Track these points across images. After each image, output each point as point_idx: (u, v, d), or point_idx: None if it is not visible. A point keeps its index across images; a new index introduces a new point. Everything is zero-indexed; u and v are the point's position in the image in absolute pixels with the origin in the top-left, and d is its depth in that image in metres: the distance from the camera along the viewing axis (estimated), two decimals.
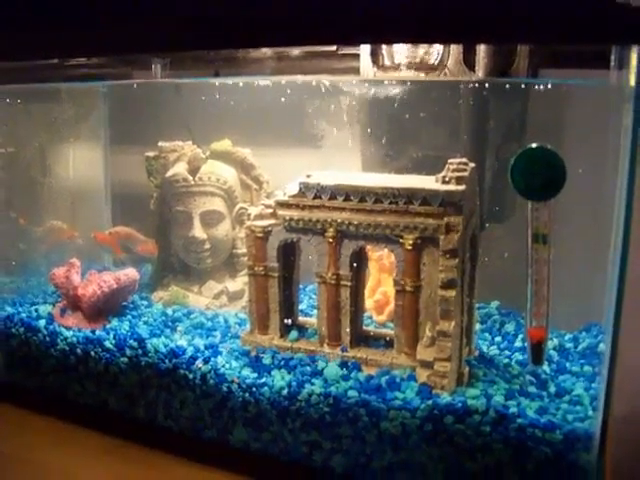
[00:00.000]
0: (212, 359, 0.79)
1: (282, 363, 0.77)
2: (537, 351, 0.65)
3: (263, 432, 0.74)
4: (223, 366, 0.77)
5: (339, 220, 0.72)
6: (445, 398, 0.69)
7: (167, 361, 0.78)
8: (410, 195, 0.68)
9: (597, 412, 0.66)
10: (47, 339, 0.86)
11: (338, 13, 0.60)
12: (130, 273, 0.87)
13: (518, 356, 0.80)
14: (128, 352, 0.80)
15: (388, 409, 0.69)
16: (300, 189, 0.73)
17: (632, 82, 0.56)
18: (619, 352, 0.61)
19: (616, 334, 0.60)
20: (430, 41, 0.69)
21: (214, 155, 0.91)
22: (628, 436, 0.70)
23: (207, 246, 0.91)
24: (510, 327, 0.89)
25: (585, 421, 0.66)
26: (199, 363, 0.76)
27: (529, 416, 0.65)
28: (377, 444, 0.70)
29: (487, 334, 0.87)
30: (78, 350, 0.84)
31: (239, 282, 0.94)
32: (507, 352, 0.82)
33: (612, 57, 0.60)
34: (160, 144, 0.93)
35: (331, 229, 0.72)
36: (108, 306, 0.86)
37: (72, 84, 0.95)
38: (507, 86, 0.75)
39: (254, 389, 0.74)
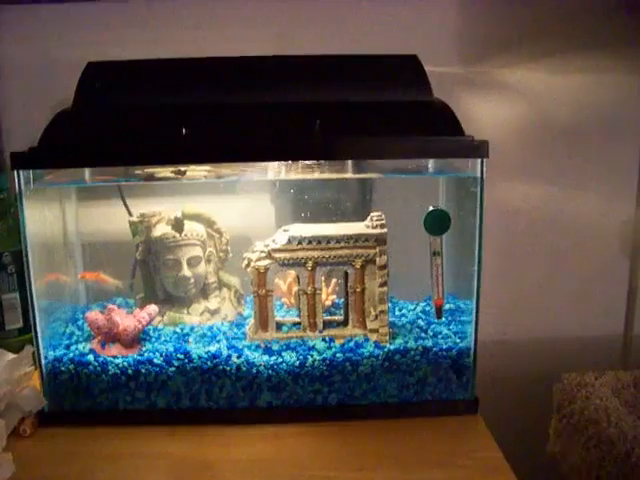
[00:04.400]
0: (241, 353, 1.11)
1: (285, 347, 1.12)
2: (439, 311, 1.14)
3: (282, 392, 1.10)
4: (250, 356, 1.11)
5: (315, 256, 1.13)
6: (390, 346, 1.12)
7: (209, 362, 1.09)
8: (357, 237, 1.12)
9: (469, 339, 1.12)
10: (98, 368, 1.08)
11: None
12: (153, 308, 1.16)
13: (404, 320, 1.24)
14: (175, 363, 1.08)
15: (362, 358, 1.10)
16: (288, 239, 1.14)
17: (478, 174, 1.05)
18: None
19: (478, 298, 1.11)
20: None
21: (186, 216, 1.23)
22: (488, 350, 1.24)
23: (192, 281, 1.24)
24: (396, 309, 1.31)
25: (465, 343, 1.12)
26: (234, 358, 1.12)
27: (438, 345, 1.13)
28: (356, 381, 1.09)
29: None
30: (129, 371, 1.08)
31: (214, 302, 1.27)
32: (400, 320, 1.26)
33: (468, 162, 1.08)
34: (141, 212, 1.22)
35: (310, 262, 1.13)
36: (140, 335, 1.15)
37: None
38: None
39: (275, 366, 1.09)
